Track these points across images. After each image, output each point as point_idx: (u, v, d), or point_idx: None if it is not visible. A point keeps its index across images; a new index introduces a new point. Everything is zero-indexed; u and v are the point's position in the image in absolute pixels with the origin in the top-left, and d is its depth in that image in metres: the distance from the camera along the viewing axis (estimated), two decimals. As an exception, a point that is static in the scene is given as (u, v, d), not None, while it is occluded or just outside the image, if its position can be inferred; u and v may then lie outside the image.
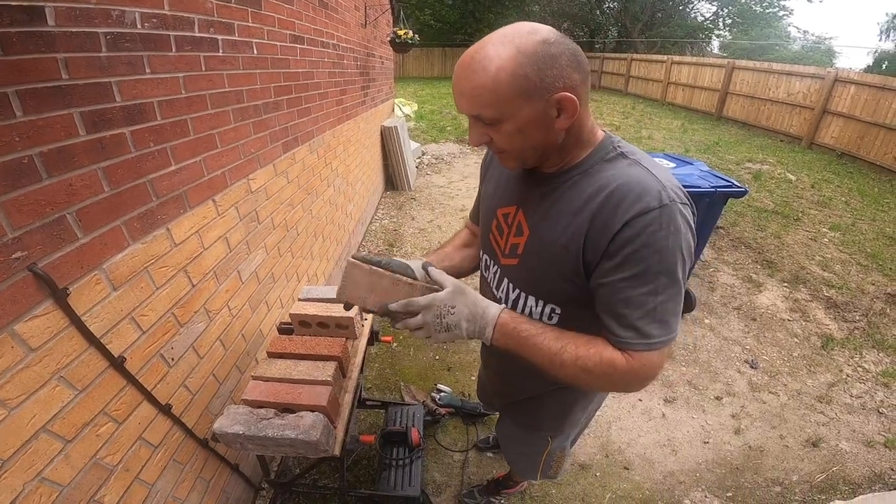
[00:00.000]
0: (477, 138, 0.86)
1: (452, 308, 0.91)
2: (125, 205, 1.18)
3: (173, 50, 1.36)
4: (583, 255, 0.85)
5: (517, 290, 1.02)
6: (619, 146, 0.89)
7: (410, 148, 6.95)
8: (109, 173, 1.12)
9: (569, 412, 1.31)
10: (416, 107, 11.86)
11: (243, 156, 1.84)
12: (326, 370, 1.50)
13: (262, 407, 1.42)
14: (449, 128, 10.55)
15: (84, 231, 1.06)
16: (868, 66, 27.11)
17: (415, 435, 2.07)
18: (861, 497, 2.17)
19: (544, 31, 0.77)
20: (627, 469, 2.33)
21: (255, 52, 1.93)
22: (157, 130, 1.30)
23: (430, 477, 2.27)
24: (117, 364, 1.18)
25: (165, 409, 1.40)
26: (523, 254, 0.98)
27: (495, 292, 1.10)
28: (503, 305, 0.96)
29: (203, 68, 1.53)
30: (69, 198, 1.01)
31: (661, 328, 0.81)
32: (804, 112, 9.36)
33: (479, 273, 1.27)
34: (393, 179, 6.42)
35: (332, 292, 1.87)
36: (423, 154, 8.33)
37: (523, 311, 1.01)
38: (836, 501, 2.15)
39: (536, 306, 0.99)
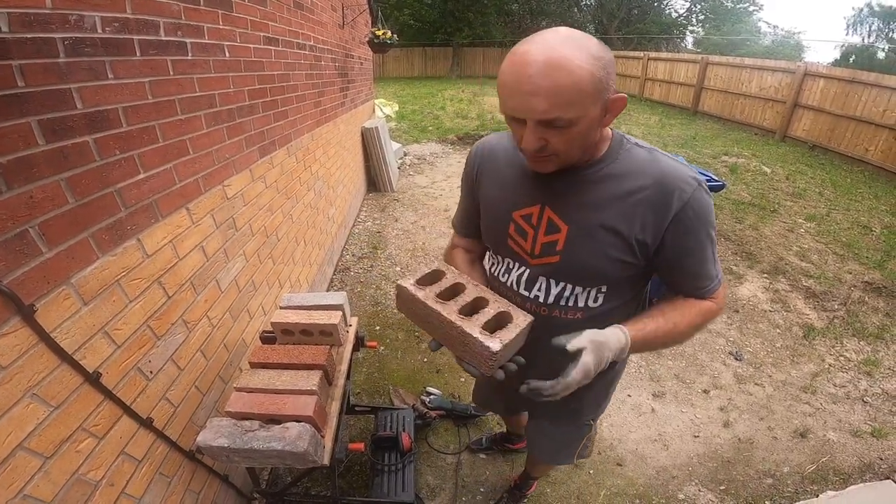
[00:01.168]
0: (535, 141, 0.84)
1: (599, 364, 0.93)
2: (92, 216, 1.13)
3: (137, 54, 1.31)
4: (636, 237, 0.94)
5: (561, 284, 1.04)
6: (628, 138, 0.99)
7: (392, 149, 6.90)
8: (73, 184, 1.07)
9: (609, 390, 1.41)
10: (396, 107, 11.79)
11: (217, 161, 1.78)
12: (311, 379, 1.46)
13: (246, 419, 1.37)
14: (430, 128, 10.51)
15: (49, 245, 1.00)
16: (836, 59, 27.76)
17: (405, 440, 2.04)
18: (853, 487, 2.18)
19: (593, 37, 0.83)
20: (620, 465, 2.32)
21: (228, 55, 1.88)
22: (123, 137, 1.24)
23: (424, 481, 2.23)
24: (93, 379, 1.13)
25: (147, 423, 1.35)
26: (565, 248, 1.00)
27: (524, 293, 1.10)
28: (620, 327, 0.98)
29: (171, 72, 1.47)
30: (31, 211, 0.95)
31: (718, 266, 1.03)
32: (776, 106, 9.57)
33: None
34: (375, 181, 6.36)
35: (313, 298, 1.83)
36: (405, 155, 8.26)
37: (569, 300, 1.06)
38: (828, 492, 2.16)
39: (583, 292, 1.04)
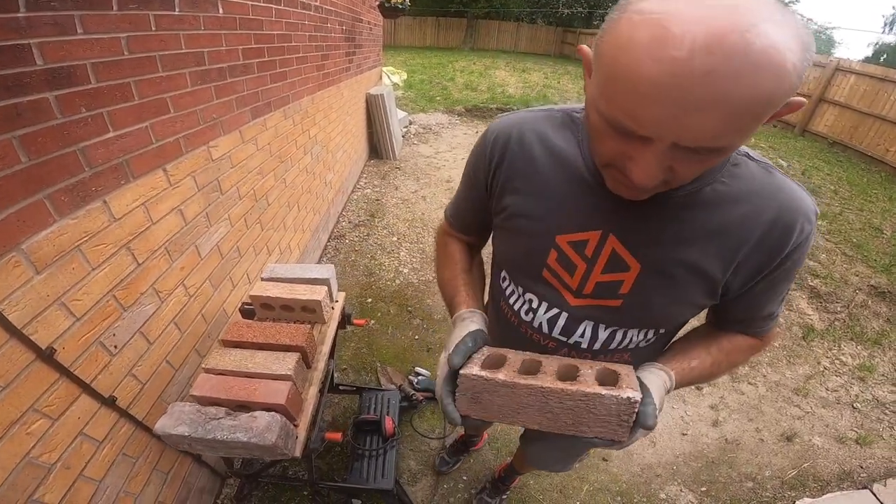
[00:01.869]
0: (659, 173, 0.55)
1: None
2: (48, 176, 1.01)
3: (114, 8, 1.18)
4: (728, 277, 0.73)
5: (612, 329, 0.82)
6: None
7: (397, 117, 6.70)
8: (27, 142, 0.95)
9: None
10: (405, 76, 11.48)
11: (203, 121, 1.66)
12: (287, 362, 1.35)
13: (213, 404, 1.27)
14: (438, 98, 10.25)
15: (-7, 206, 0.89)
16: (867, 57, 27.12)
17: (389, 424, 1.96)
18: (829, 495, 2.16)
19: None
20: (605, 460, 2.26)
21: (221, 11, 1.73)
22: (90, 94, 1.12)
23: (406, 465, 2.18)
24: (46, 356, 1.04)
25: (109, 402, 1.27)
26: (633, 292, 0.75)
27: (559, 337, 0.87)
28: (665, 370, 0.78)
29: (153, 28, 1.34)
30: (-27, 170, 0.85)
31: (784, 302, 0.83)
32: None
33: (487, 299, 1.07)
34: (378, 148, 6.19)
35: (298, 270, 1.72)
36: (411, 123, 8.06)
37: (621, 344, 0.84)
38: (805, 499, 2.12)
39: (639, 334, 0.83)
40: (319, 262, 3.71)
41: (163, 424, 1.21)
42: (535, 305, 0.87)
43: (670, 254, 0.71)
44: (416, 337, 3.00)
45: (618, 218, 0.73)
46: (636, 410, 0.65)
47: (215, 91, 1.73)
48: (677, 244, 0.70)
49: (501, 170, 0.83)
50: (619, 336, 0.82)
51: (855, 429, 2.60)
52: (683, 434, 2.46)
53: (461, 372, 0.72)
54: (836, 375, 3.02)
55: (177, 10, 1.45)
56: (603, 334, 0.83)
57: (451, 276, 1.01)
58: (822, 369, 3.06)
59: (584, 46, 0.61)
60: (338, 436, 1.50)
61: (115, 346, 1.29)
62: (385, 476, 1.81)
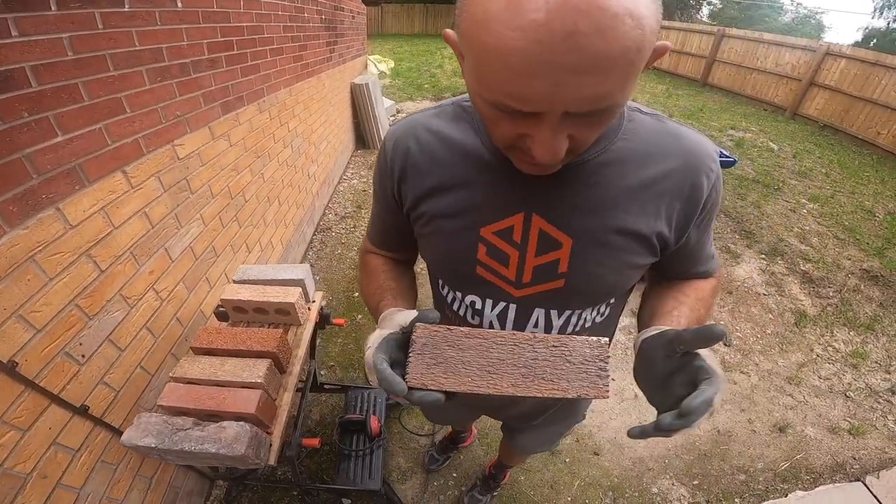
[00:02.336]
0: (558, 146, 0.53)
1: None
2: None
3: (53, 8, 1.13)
4: (659, 233, 0.72)
5: (566, 313, 0.79)
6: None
7: (384, 105, 6.62)
8: None
9: None
10: (392, 64, 11.37)
11: (165, 119, 1.61)
12: (257, 369, 1.31)
13: (182, 414, 1.24)
14: (426, 85, 10.14)
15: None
16: (857, 42, 27.16)
17: (374, 424, 1.94)
18: (822, 488, 2.15)
19: None
20: (597, 454, 2.25)
21: (180, 5, 1.68)
22: (32, 99, 1.08)
23: (395, 463, 2.16)
24: (7, 369, 1.02)
25: (81, 411, 1.25)
26: (572, 269, 0.72)
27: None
28: (662, 327, 0.72)
29: (100, 26, 1.29)
30: None
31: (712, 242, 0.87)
32: (791, 83, 9.45)
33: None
34: (364, 138, 6.14)
35: (271, 272, 1.68)
36: (398, 112, 7.99)
37: (577, 326, 0.81)
38: (798, 492, 2.13)
39: (592, 311, 0.81)
40: (305, 256, 3.67)
41: (129, 436, 1.19)
42: (479, 306, 0.83)
43: (597, 221, 0.70)
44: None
45: (536, 196, 0.70)
46: (609, 354, 0.62)
47: (178, 87, 1.69)
48: (601, 209, 0.69)
49: (407, 179, 0.79)
50: (574, 319, 0.80)
51: (848, 419, 2.60)
52: (675, 426, 2.45)
53: (418, 323, 0.64)
54: (829, 363, 3.02)
55: (126, 6, 1.39)
56: (557, 321, 0.80)
57: (375, 288, 0.94)
58: (814, 357, 3.06)
59: (449, 31, 0.57)
60: (315, 442, 1.47)
61: (83, 356, 1.26)
62: (372, 476, 1.80)
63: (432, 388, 0.60)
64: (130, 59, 1.42)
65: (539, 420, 1.19)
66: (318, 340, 1.87)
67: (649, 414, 2.49)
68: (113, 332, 1.37)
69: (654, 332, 0.69)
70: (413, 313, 0.71)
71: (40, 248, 1.10)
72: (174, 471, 1.71)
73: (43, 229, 1.11)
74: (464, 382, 0.61)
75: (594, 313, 0.81)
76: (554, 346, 0.62)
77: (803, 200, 5.24)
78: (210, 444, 1.15)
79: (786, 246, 4.26)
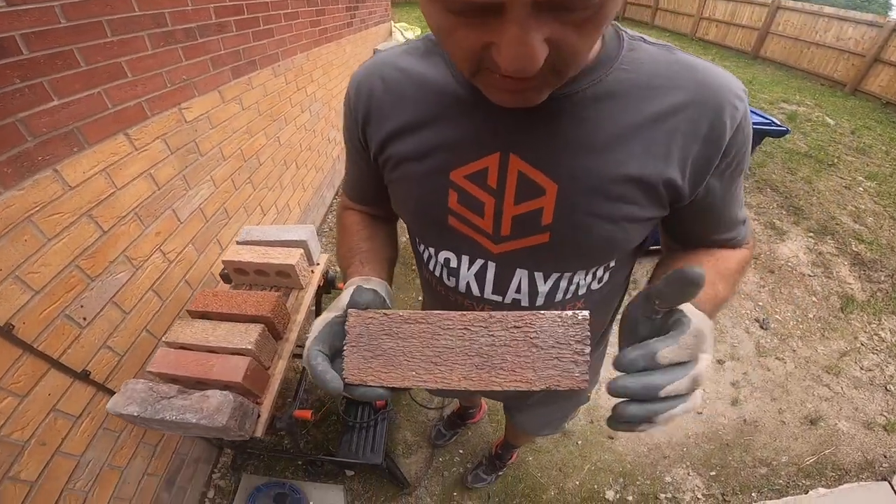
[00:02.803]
0: (538, 48, 0.41)
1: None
2: None
3: None
4: (667, 181, 0.60)
5: (554, 276, 0.70)
6: (627, 32, 0.62)
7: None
8: None
9: (603, 358, 1.15)
10: (419, 31, 11.11)
11: (170, 83, 1.61)
12: (249, 335, 1.28)
13: (172, 381, 1.24)
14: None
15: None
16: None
17: (379, 395, 1.95)
18: (845, 486, 2.08)
19: None
20: (612, 438, 2.23)
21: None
22: (23, 66, 1.08)
23: (402, 436, 2.19)
24: (4, 332, 1.04)
25: (82, 376, 1.27)
26: (557, 220, 0.63)
27: (493, 297, 0.75)
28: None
29: None
30: None
31: (743, 204, 0.75)
32: (853, 58, 9.11)
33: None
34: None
35: (275, 233, 1.67)
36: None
37: (567, 292, 0.72)
38: (820, 489, 2.06)
39: (586, 276, 0.71)
40: (324, 219, 3.68)
41: (114, 403, 1.18)
42: (454, 264, 0.75)
43: (589, 162, 0.59)
44: (419, 298, 2.96)
45: (515, 134, 0.61)
46: (588, 333, 0.50)
47: (183, 52, 1.68)
48: (594, 149, 0.59)
49: (371, 122, 0.71)
50: (563, 284, 0.71)
51: (885, 413, 2.49)
52: (699, 413, 2.39)
53: (350, 310, 0.56)
54: (873, 353, 2.88)
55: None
56: (544, 286, 0.71)
57: (345, 250, 0.86)
58: (858, 345, 2.92)
59: None
60: (307, 414, 1.45)
61: (84, 319, 1.28)
62: (375, 450, 1.82)
63: (372, 384, 0.53)
64: (130, 25, 1.41)
65: (531, 400, 1.15)
66: (322, 306, 1.85)
67: (671, 399, 2.43)
68: (117, 294, 1.39)
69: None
70: (371, 285, 0.64)
71: (37, 208, 1.11)
72: (180, 438, 1.75)
73: (40, 190, 1.12)
74: (407, 377, 0.53)
75: (589, 278, 0.71)
76: (515, 326, 0.51)
77: (860, 178, 4.96)
78: (191, 413, 1.13)
79: (837, 225, 4.05)
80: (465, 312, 0.53)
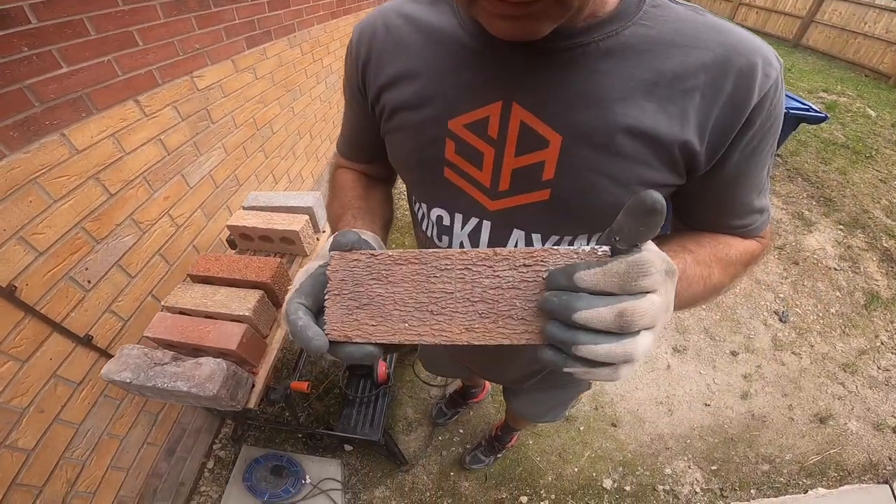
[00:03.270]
0: None
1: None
2: None
3: None
4: (683, 143, 0.56)
5: (553, 239, 0.67)
6: None
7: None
8: None
9: None
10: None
11: (183, 52, 1.63)
12: (247, 301, 1.28)
13: (169, 347, 1.25)
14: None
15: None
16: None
17: (382, 369, 1.97)
18: (846, 487, 2.08)
19: None
20: (615, 426, 2.24)
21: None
22: (32, 34, 1.11)
23: (402, 413, 2.22)
24: (6, 294, 1.06)
25: (85, 341, 1.30)
26: (560, 175, 0.60)
27: None
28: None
29: None
30: None
31: (767, 195, 0.70)
32: None
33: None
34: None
35: (281, 199, 1.68)
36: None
37: None
38: (819, 489, 2.06)
39: (587, 243, 0.67)
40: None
41: (108, 369, 1.19)
42: (446, 222, 0.73)
43: (598, 114, 0.56)
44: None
45: (520, 81, 0.58)
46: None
47: (196, 21, 1.69)
48: (605, 102, 0.55)
49: (370, 66, 0.69)
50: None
51: (896, 415, 2.47)
52: (706, 405, 2.39)
53: (332, 252, 0.48)
54: (893, 352, 2.82)
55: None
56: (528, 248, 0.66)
57: (337, 206, 0.82)
58: (878, 344, 2.87)
59: None
60: (304, 386, 1.45)
61: (89, 281, 1.30)
62: (374, 426, 1.84)
63: (358, 340, 0.45)
64: None
65: (529, 384, 1.13)
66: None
67: (679, 389, 2.44)
68: (123, 258, 1.42)
69: None
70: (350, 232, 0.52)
71: (43, 170, 1.13)
72: (182, 407, 1.78)
73: (46, 153, 1.14)
74: (399, 329, 0.45)
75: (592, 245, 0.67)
76: (525, 264, 0.43)
77: (897, 171, 4.80)
78: (182, 381, 1.14)
79: (869, 218, 3.94)
80: (465, 250, 0.45)
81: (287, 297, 0.48)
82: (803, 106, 2.86)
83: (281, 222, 1.53)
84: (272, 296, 1.40)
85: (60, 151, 1.17)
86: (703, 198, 0.66)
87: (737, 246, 0.69)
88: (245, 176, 2.13)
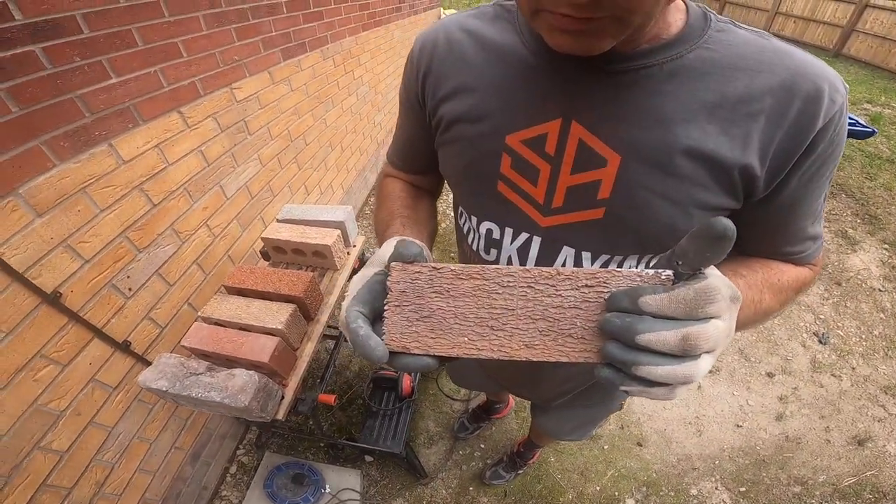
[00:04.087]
0: None
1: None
2: (44, 123, 1.07)
3: None
4: (743, 167, 0.56)
5: (603, 258, 0.67)
6: (716, 15, 0.60)
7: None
8: (16, 93, 1.01)
9: None
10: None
11: (223, 64, 1.69)
12: (280, 315, 1.32)
13: (205, 357, 1.29)
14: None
15: (-16, 155, 0.95)
16: None
17: (406, 383, 2.00)
18: None
19: None
20: (640, 445, 2.22)
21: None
22: (84, 44, 1.16)
23: (424, 426, 2.24)
24: (51, 300, 1.11)
25: (123, 347, 1.35)
26: (616, 195, 0.60)
27: None
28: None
29: None
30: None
31: (821, 222, 0.69)
32: None
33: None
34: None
35: (314, 212, 1.72)
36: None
37: None
38: None
39: (637, 266, 0.67)
40: (367, 202, 3.77)
41: (145, 377, 1.23)
42: (496, 236, 0.73)
43: (658, 135, 0.56)
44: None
45: (581, 100, 0.59)
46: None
47: (236, 33, 1.75)
48: (666, 122, 0.56)
49: (430, 77, 0.71)
50: (611, 267, 0.64)
51: (939, 439, 2.37)
52: (738, 426, 2.34)
53: (393, 263, 0.48)
54: (939, 376, 2.73)
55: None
56: (590, 266, 0.68)
57: (385, 214, 0.84)
58: (923, 367, 2.77)
59: None
60: (331, 399, 1.49)
61: (130, 289, 1.36)
62: (396, 438, 1.86)
63: (416, 351, 0.46)
64: (186, 5, 1.47)
65: (558, 402, 1.13)
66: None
67: (709, 409, 2.40)
68: (163, 266, 1.48)
69: None
70: (413, 243, 0.52)
71: (92, 180, 1.20)
72: (210, 414, 1.83)
73: (95, 164, 1.20)
74: (458, 343, 0.46)
75: (640, 268, 0.66)
76: (587, 285, 0.44)
77: (947, 188, 4.62)
78: (216, 392, 1.17)
79: (917, 238, 3.80)
80: (528, 268, 0.45)
81: (345, 305, 0.50)
82: (850, 120, 2.79)
83: (314, 236, 1.58)
84: (304, 310, 1.44)
85: (108, 162, 1.24)
86: (758, 223, 0.65)
87: (788, 272, 0.69)
88: (279, 187, 2.19)
